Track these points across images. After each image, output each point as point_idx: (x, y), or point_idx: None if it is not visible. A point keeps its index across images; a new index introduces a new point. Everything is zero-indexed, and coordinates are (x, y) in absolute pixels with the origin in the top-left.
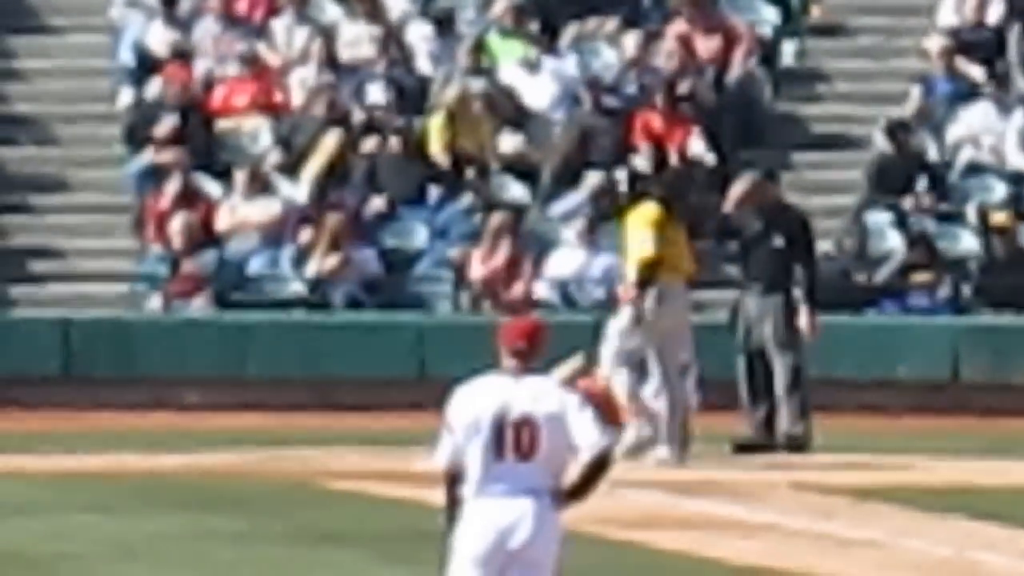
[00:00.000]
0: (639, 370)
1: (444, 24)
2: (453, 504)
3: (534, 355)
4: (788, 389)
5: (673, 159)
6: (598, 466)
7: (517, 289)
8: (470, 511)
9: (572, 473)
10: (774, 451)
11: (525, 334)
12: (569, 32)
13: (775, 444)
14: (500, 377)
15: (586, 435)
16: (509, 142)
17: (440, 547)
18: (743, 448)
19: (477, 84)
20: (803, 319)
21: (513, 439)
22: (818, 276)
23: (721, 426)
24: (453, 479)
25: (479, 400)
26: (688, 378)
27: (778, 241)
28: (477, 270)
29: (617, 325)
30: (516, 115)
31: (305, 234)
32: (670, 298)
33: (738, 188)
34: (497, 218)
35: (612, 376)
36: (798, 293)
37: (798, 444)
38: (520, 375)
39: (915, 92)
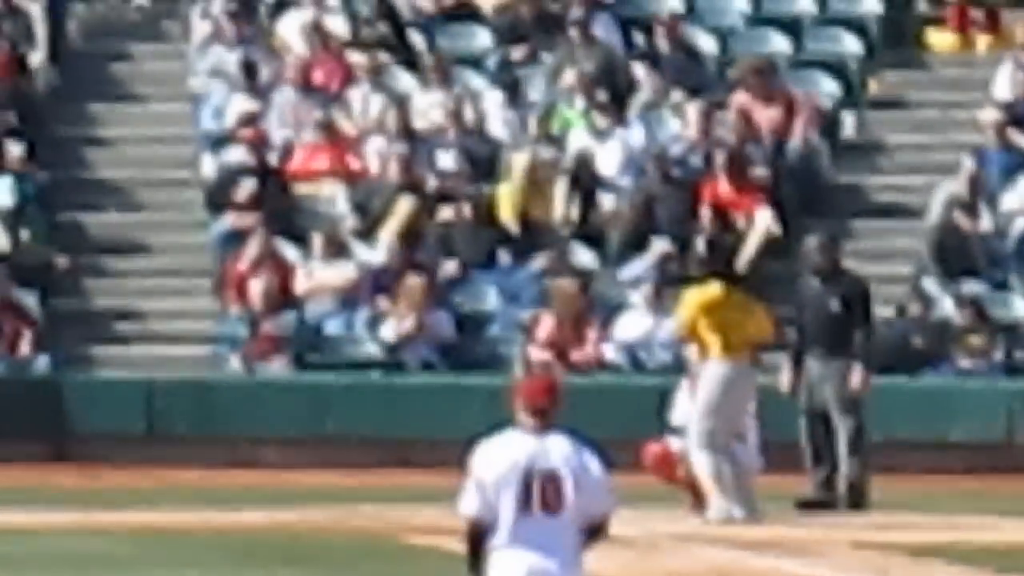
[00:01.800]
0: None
1: (514, 94)
2: (477, 555)
3: (554, 413)
4: (850, 450)
5: (741, 226)
6: (599, 530)
7: (586, 352)
8: (500, 564)
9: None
10: (835, 508)
11: (546, 391)
12: (636, 102)
13: (836, 502)
14: (523, 434)
15: (598, 499)
16: (576, 209)
17: None
18: (806, 505)
19: (547, 152)
20: (855, 377)
21: (539, 494)
22: (875, 340)
23: (785, 486)
24: (481, 530)
25: (506, 455)
26: (750, 442)
27: (835, 305)
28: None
29: (694, 408)
30: (585, 183)
31: (381, 297)
32: (734, 379)
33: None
34: (564, 283)
35: (695, 458)
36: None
37: (858, 499)
38: (541, 433)
39: (970, 164)
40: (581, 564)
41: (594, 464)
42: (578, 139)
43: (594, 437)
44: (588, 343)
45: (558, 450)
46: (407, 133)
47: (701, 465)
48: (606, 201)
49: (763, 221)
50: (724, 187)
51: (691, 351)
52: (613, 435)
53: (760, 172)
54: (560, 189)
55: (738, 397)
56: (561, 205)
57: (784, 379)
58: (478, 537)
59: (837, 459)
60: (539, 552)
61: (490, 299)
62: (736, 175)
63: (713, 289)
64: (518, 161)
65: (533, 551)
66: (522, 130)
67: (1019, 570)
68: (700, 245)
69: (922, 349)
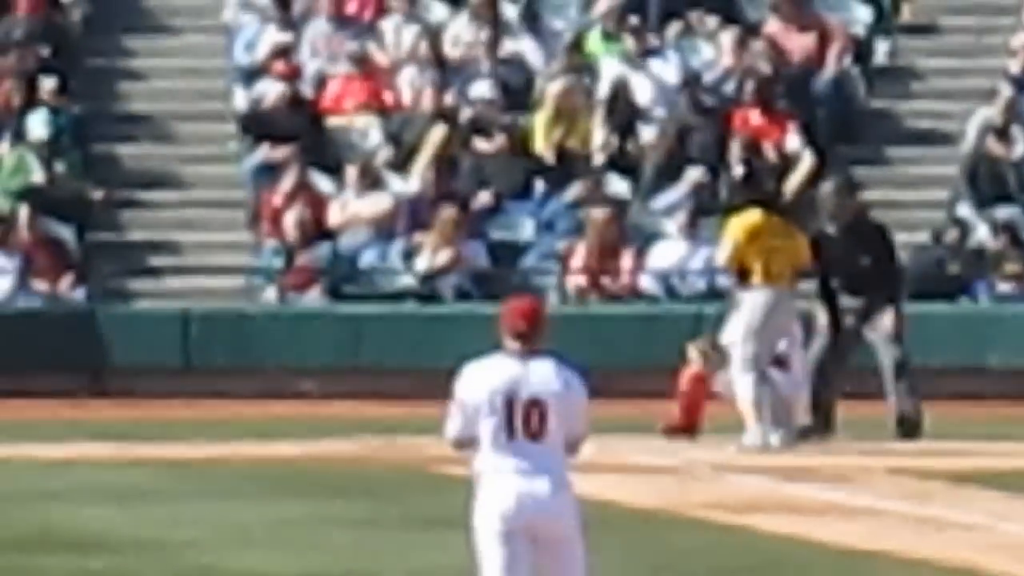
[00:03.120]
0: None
1: (546, 23)
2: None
3: (536, 337)
4: (896, 378)
5: (770, 155)
6: (570, 449)
7: (621, 281)
8: (488, 490)
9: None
10: (825, 436)
11: (525, 316)
12: (669, 30)
13: (826, 430)
14: (507, 359)
15: (578, 421)
16: (611, 138)
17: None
18: (803, 434)
19: (580, 81)
20: (887, 319)
21: (523, 420)
22: (904, 279)
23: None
24: (463, 450)
25: (489, 379)
26: (794, 370)
27: (864, 260)
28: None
29: (735, 334)
30: (621, 112)
31: (417, 229)
32: (775, 304)
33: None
34: (599, 212)
35: (737, 382)
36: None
37: (912, 426)
38: (526, 357)
39: (1005, 90)
40: (570, 485)
41: (577, 386)
42: (611, 68)
43: (630, 364)
44: (622, 272)
45: (541, 375)
46: (440, 63)
47: (744, 390)
48: (642, 131)
49: (808, 157)
50: (754, 116)
51: (732, 280)
52: (648, 362)
53: (791, 101)
54: (597, 119)
55: (778, 322)
56: (599, 135)
57: (822, 322)
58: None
59: (885, 388)
60: (526, 476)
61: (525, 229)
62: (766, 104)
63: (754, 215)
64: (551, 90)
65: (520, 475)
66: (550, 60)
67: None
68: (738, 172)
69: (958, 275)
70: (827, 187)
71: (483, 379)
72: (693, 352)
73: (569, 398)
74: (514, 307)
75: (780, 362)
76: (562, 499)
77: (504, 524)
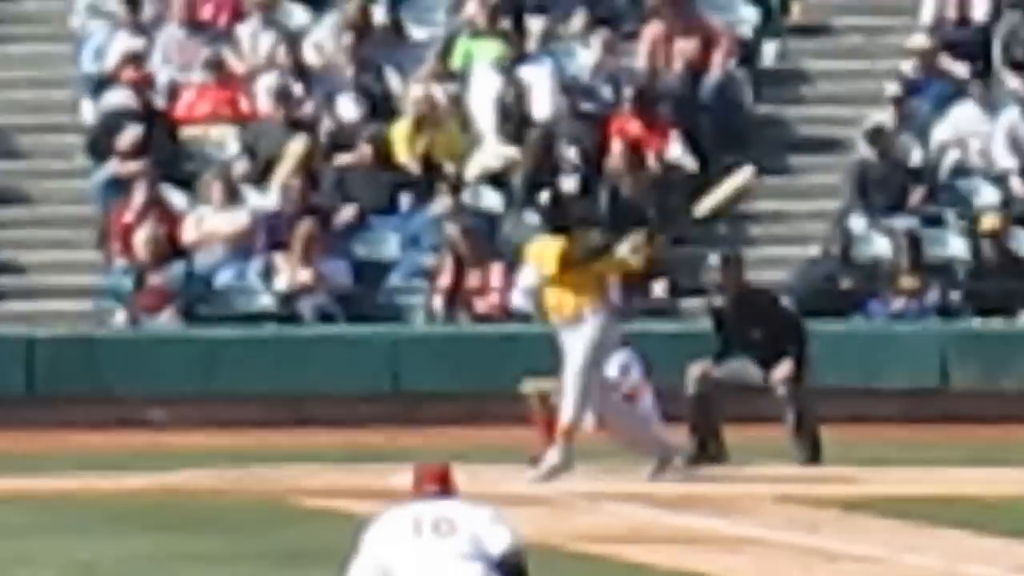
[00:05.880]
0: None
1: (412, 29)
2: None
3: (446, 496)
4: (795, 432)
5: (652, 164)
6: (517, 567)
7: (490, 299)
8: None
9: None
10: (714, 461)
11: (435, 478)
12: (539, 32)
13: (718, 455)
14: (415, 502)
15: (497, 540)
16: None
17: None
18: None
19: (448, 88)
20: (782, 369)
21: (432, 526)
22: (806, 341)
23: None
24: None
25: (394, 516)
26: (644, 400)
27: (756, 334)
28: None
29: (572, 365)
30: (511, 116)
31: (276, 246)
32: (600, 324)
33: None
34: (454, 228)
35: (566, 406)
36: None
37: (811, 452)
38: (434, 498)
39: (898, 93)
40: None
41: (482, 514)
42: (483, 74)
43: (501, 387)
44: (491, 290)
45: (446, 505)
46: (299, 70)
47: (567, 413)
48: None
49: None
50: (633, 123)
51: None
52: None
53: (675, 106)
54: (487, 127)
55: (608, 344)
56: (491, 143)
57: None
58: None
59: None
60: (442, 567)
61: (390, 245)
62: (645, 110)
63: (552, 247)
64: (412, 96)
65: (436, 567)
66: (416, 67)
67: (955, 521)
68: (544, 199)
69: (850, 290)
70: (714, 259)
71: (388, 517)
72: (529, 389)
73: (476, 513)
74: (424, 470)
75: (629, 396)
76: None
77: None
